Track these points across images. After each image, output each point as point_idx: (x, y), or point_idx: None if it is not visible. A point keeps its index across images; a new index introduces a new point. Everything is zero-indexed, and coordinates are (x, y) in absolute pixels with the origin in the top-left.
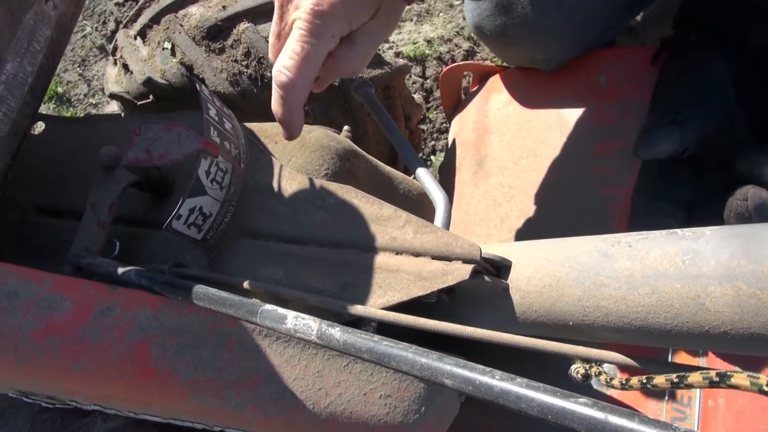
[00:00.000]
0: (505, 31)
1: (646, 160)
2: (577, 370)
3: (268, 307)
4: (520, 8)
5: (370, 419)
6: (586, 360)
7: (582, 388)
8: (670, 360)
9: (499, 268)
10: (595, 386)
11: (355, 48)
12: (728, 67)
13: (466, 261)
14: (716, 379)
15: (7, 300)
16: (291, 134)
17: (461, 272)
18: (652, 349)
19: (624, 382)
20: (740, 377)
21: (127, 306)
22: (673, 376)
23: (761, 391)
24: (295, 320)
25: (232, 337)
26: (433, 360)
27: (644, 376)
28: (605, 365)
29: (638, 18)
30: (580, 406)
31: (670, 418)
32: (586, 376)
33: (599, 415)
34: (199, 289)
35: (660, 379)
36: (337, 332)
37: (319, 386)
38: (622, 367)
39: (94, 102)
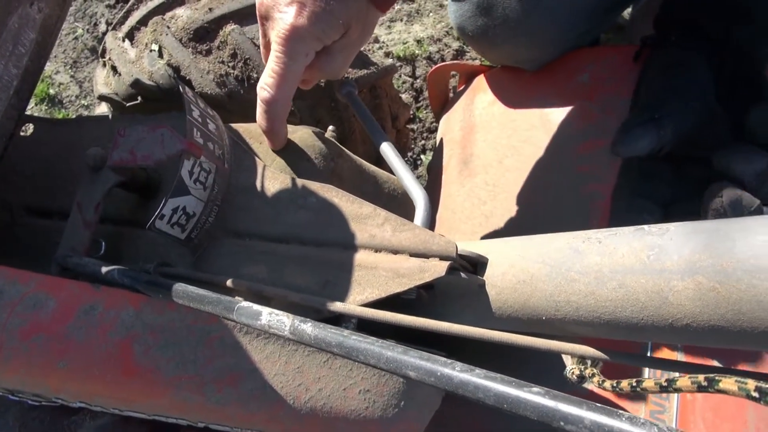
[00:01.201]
0: (486, 32)
1: (627, 158)
2: (572, 371)
3: (244, 303)
4: (501, 9)
5: (349, 414)
6: (581, 359)
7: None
8: (649, 354)
9: (476, 264)
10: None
11: (331, 58)
12: (709, 67)
13: (442, 258)
14: (704, 383)
15: None
16: (275, 144)
17: (438, 269)
18: (633, 343)
19: (615, 384)
20: (728, 382)
21: (110, 305)
22: (663, 380)
23: (749, 397)
24: (269, 316)
25: (212, 334)
26: (398, 353)
27: (634, 380)
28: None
29: (626, 15)
30: (533, 395)
31: (650, 412)
32: (581, 378)
33: (550, 403)
34: (179, 287)
35: (650, 383)
36: (308, 328)
37: (299, 382)
38: (615, 367)
39: (85, 103)
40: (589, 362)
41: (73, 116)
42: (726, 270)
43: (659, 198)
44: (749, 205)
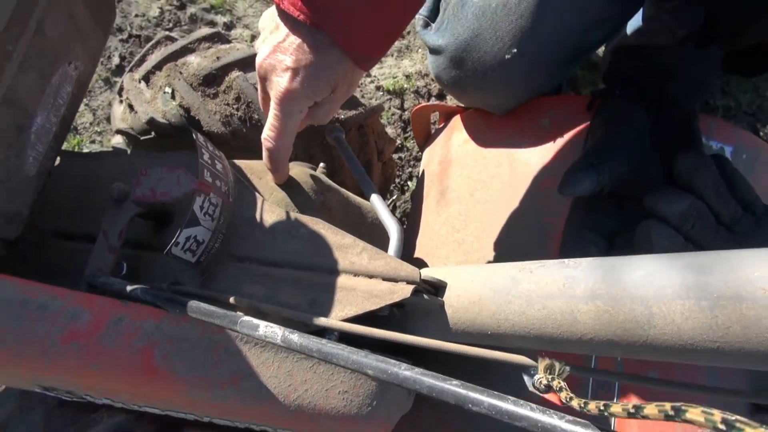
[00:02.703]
0: (459, 81)
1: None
2: (539, 380)
3: (246, 318)
4: (470, 63)
5: (330, 411)
6: (550, 369)
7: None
8: (593, 366)
9: (437, 288)
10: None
11: (320, 109)
12: (646, 118)
13: (409, 282)
14: (671, 412)
15: (37, 312)
16: (279, 180)
17: (404, 291)
18: (579, 356)
19: (582, 405)
20: (695, 412)
21: (135, 317)
22: (630, 407)
23: (716, 429)
24: (265, 328)
25: (219, 343)
26: (361, 357)
27: (602, 403)
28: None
29: (600, 53)
30: (452, 386)
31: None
32: (548, 388)
33: (462, 391)
34: (193, 304)
35: (617, 408)
36: (295, 337)
37: (289, 383)
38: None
39: (98, 130)
40: (557, 370)
41: (87, 141)
42: (615, 297)
43: (604, 230)
44: (672, 241)
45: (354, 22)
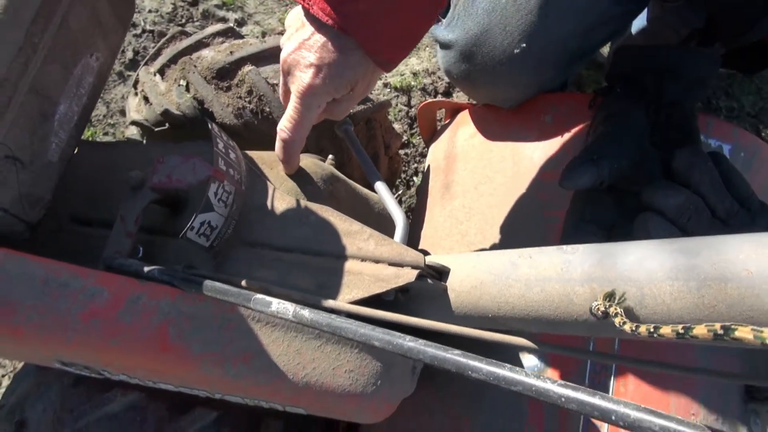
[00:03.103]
0: (468, 75)
1: (576, 189)
2: (597, 306)
3: (259, 296)
4: (480, 58)
5: (337, 389)
6: (609, 297)
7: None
8: (592, 348)
9: (441, 273)
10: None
11: (338, 105)
12: (646, 115)
13: (413, 267)
14: (720, 331)
15: (59, 289)
16: (289, 171)
17: (409, 275)
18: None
19: (634, 328)
20: (744, 330)
21: (152, 296)
22: (679, 327)
23: (764, 345)
24: (277, 305)
25: (231, 321)
26: (368, 330)
27: (652, 325)
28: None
29: (605, 53)
30: (453, 356)
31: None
32: (605, 314)
33: (462, 360)
34: (208, 283)
35: (666, 329)
36: (306, 312)
37: (297, 361)
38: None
39: (111, 122)
40: (616, 299)
41: (101, 133)
42: (610, 279)
43: (603, 223)
44: (669, 234)
45: (381, 30)
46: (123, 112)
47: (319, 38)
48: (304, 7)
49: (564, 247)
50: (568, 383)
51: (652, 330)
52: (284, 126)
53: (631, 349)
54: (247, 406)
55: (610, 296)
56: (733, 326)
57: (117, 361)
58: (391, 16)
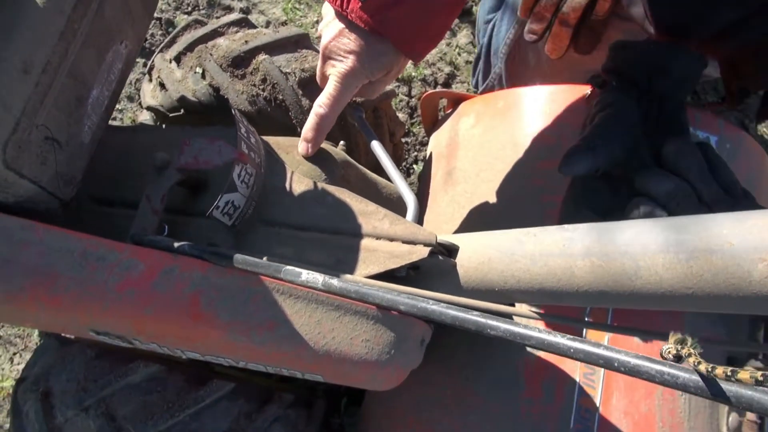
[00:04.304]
0: None
1: (573, 176)
2: (668, 350)
3: (288, 267)
4: None
5: (354, 357)
6: (681, 342)
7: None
8: (587, 318)
9: (450, 250)
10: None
11: (371, 87)
12: (638, 107)
13: (426, 245)
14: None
15: (97, 262)
16: (309, 152)
17: (422, 252)
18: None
19: (709, 369)
20: None
21: (185, 268)
22: (759, 374)
23: None
24: (307, 275)
25: (257, 293)
26: (394, 295)
27: (729, 369)
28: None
29: None
30: (473, 316)
31: (583, 374)
32: (678, 357)
33: (481, 319)
34: (239, 256)
35: (745, 375)
36: (335, 281)
37: (318, 331)
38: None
39: (119, 107)
40: (689, 343)
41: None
42: (608, 253)
43: (598, 207)
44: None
45: (414, 32)
46: (131, 99)
47: (356, 29)
48: (342, 15)
49: (565, 226)
50: (575, 337)
51: (729, 374)
52: (322, 102)
53: (623, 319)
54: (261, 379)
55: (681, 341)
56: None
57: (150, 328)
58: (422, 18)
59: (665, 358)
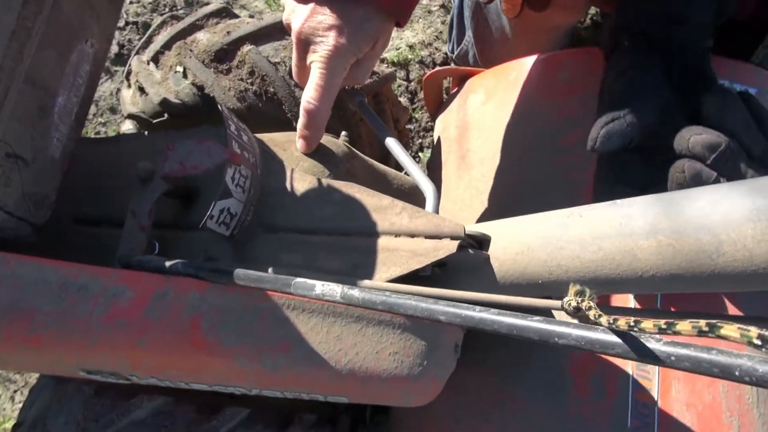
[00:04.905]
0: None
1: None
2: (569, 302)
3: (299, 279)
4: None
5: (382, 373)
6: (580, 293)
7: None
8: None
9: (481, 242)
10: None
11: (360, 67)
12: (660, 66)
13: (453, 238)
14: (705, 328)
15: (78, 293)
16: (308, 149)
17: (449, 247)
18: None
19: (611, 322)
20: (730, 328)
21: (179, 290)
22: (662, 323)
23: (750, 344)
24: (322, 287)
25: (265, 311)
26: (430, 304)
27: (632, 319)
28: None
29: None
30: (533, 323)
31: (636, 365)
32: (578, 309)
33: (545, 326)
34: (240, 271)
35: (648, 324)
36: (356, 292)
37: (339, 347)
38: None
39: (102, 121)
40: (587, 294)
41: (92, 133)
42: (678, 229)
43: (635, 183)
44: (708, 178)
45: None
46: (113, 110)
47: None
48: None
49: (618, 201)
50: (676, 342)
51: (632, 323)
52: (309, 96)
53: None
54: (278, 401)
55: (580, 293)
56: (718, 324)
57: (146, 362)
58: None
59: (565, 310)
